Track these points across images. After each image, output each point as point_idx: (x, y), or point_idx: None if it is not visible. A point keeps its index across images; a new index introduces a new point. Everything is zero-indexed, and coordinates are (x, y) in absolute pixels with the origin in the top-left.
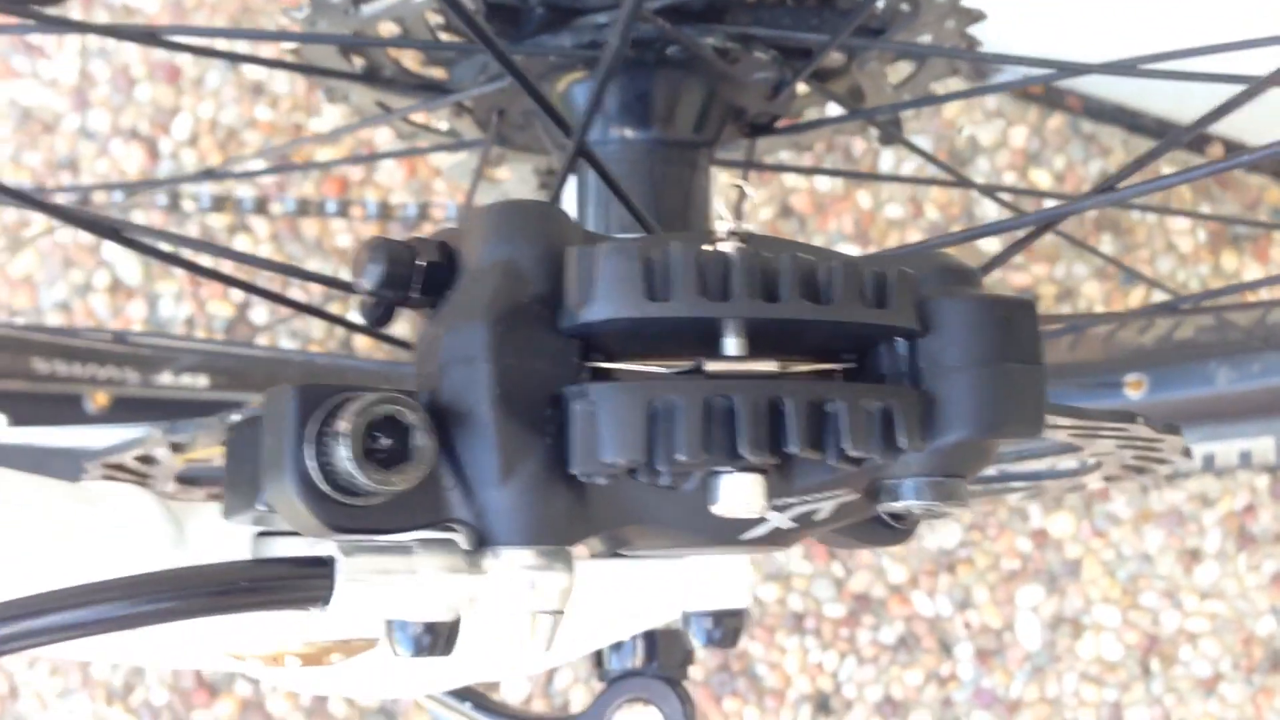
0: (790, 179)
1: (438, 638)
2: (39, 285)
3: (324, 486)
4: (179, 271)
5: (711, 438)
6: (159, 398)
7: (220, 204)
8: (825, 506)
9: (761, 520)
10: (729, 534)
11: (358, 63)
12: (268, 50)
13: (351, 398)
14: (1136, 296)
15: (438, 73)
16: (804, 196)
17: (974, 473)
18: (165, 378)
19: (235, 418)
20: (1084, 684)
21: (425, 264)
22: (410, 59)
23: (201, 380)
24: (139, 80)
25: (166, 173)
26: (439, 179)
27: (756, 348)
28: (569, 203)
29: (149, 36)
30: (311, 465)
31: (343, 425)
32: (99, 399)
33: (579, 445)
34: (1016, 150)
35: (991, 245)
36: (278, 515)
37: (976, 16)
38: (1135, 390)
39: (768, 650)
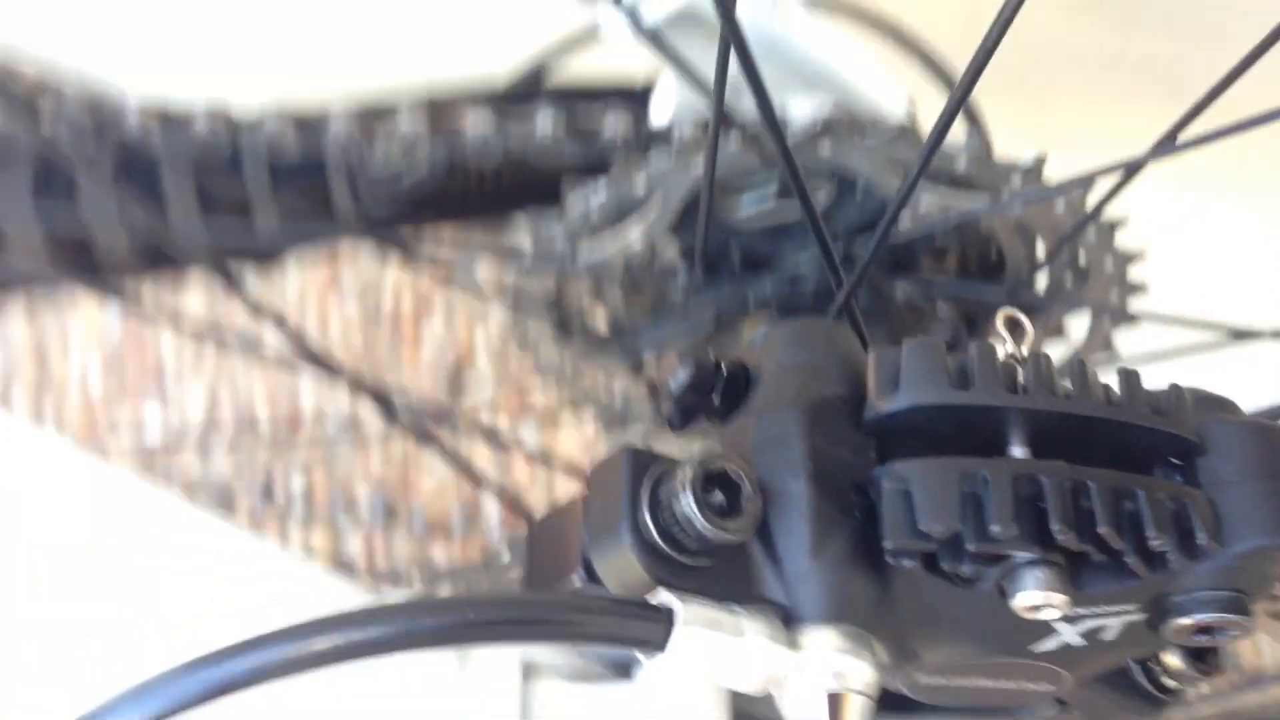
0: None
1: None
2: None
3: (657, 540)
4: None
5: (1022, 514)
6: None
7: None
8: (1113, 625)
9: (1053, 632)
10: (1020, 644)
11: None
12: None
13: (680, 460)
14: None
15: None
16: None
17: (1259, 594)
18: None
19: None
20: None
21: (727, 373)
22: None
23: None
24: None
25: None
26: None
27: (1040, 453)
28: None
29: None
30: (644, 518)
31: (685, 474)
32: None
33: (892, 521)
34: None
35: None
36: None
37: (1140, 289)
38: None
39: None
